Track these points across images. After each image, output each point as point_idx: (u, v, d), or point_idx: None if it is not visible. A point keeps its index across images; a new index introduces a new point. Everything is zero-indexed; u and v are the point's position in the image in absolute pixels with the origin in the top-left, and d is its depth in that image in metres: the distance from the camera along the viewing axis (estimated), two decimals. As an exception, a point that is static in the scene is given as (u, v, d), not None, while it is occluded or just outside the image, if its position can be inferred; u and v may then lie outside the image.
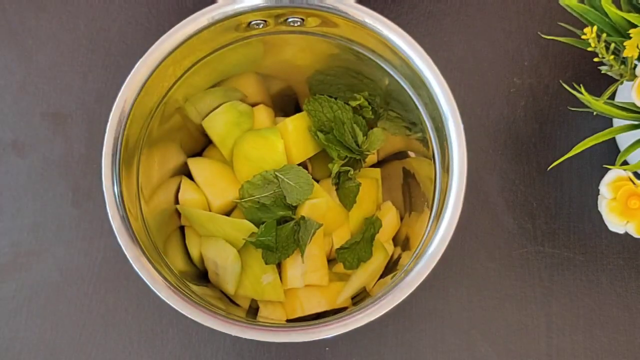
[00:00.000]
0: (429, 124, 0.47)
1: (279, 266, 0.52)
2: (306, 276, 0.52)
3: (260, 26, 0.46)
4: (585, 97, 0.45)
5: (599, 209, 0.46)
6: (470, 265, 0.56)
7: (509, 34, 0.60)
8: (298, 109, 0.58)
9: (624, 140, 0.53)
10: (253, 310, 0.53)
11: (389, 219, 0.54)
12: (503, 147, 0.58)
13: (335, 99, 0.55)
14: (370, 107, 0.54)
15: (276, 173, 0.51)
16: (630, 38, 0.43)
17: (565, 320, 0.55)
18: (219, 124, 0.53)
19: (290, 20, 0.46)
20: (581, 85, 0.46)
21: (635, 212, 0.45)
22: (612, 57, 0.44)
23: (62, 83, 0.59)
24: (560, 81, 0.58)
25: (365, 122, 0.55)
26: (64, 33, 0.60)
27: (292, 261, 0.52)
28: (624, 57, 0.44)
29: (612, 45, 0.44)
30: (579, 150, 0.46)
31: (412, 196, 0.55)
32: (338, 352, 0.55)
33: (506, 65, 0.59)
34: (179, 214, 0.54)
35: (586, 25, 0.44)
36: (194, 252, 0.53)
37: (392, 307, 0.41)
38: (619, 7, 0.45)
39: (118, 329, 0.55)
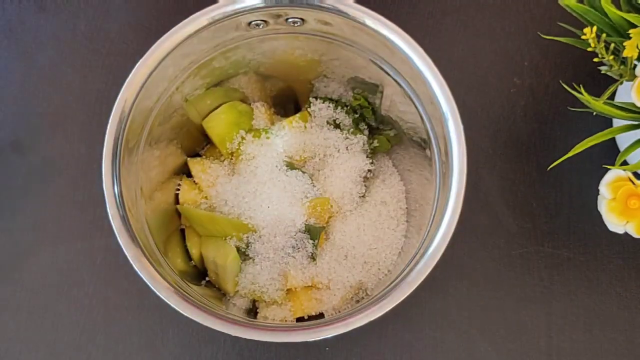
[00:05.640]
0: (429, 124, 0.47)
1: (279, 266, 0.53)
2: (307, 277, 0.52)
3: (260, 26, 0.46)
4: (585, 97, 0.45)
5: (599, 209, 0.46)
6: (470, 265, 0.56)
7: (509, 34, 0.60)
8: (298, 109, 0.58)
9: (624, 140, 0.53)
10: (253, 310, 0.53)
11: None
12: (503, 147, 0.58)
13: (336, 100, 0.55)
14: (370, 108, 0.54)
15: None
16: (630, 38, 0.43)
17: (565, 320, 0.55)
18: (219, 124, 0.53)
19: (290, 20, 0.46)
20: (581, 85, 0.46)
21: (635, 212, 0.45)
22: (611, 57, 0.44)
23: (62, 83, 0.59)
24: (560, 81, 0.58)
25: (366, 123, 0.56)
26: (64, 33, 0.60)
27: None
28: (623, 57, 0.44)
29: (612, 45, 0.44)
30: (578, 150, 0.46)
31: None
32: (338, 352, 0.55)
33: (506, 65, 0.59)
34: (179, 214, 0.54)
35: (586, 25, 0.44)
36: (194, 252, 0.53)
37: (392, 307, 0.40)
38: (619, 7, 0.45)
39: (118, 329, 0.55)
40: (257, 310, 0.53)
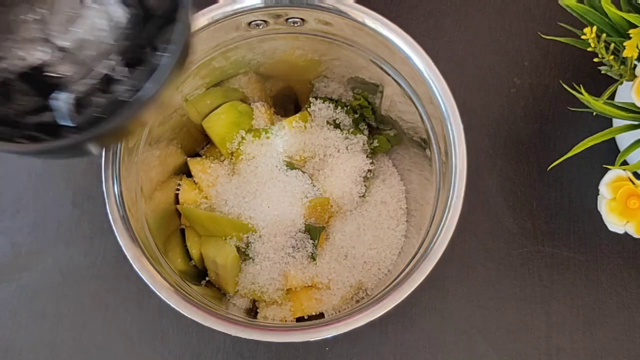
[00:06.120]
0: (429, 124, 0.47)
1: (279, 266, 0.53)
2: (307, 277, 0.52)
3: (260, 26, 0.46)
4: (585, 97, 0.45)
5: (599, 209, 0.46)
6: (470, 265, 0.56)
7: (509, 34, 0.60)
8: (298, 109, 0.58)
9: (624, 140, 0.53)
10: (253, 310, 0.53)
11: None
12: (503, 147, 0.58)
13: (336, 100, 0.55)
14: (370, 108, 0.54)
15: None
16: (630, 38, 0.43)
17: (565, 320, 0.55)
18: (219, 124, 0.53)
19: (290, 20, 0.46)
20: (581, 85, 0.46)
21: (635, 212, 0.45)
22: (611, 57, 0.44)
23: (62, 83, 0.59)
24: (560, 81, 0.58)
25: (366, 123, 0.56)
26: (64, 33, 0.60)
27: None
28: (623, 57, 0.44)
29: (612, 46, 0.44)
30: (578, 151, 0.46)
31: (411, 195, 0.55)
32: (338, 352, 0.55)
33: (506, 65, 0.59)
34: (179, 214, 0.54)
35: (586, 25, 0.44)
36: (194, 252, 0.53)
37: (392, 307, 0.41)
38: (619, 7, 0.45)
39: (118, 329, 0.55)
40: (257, 310, 0.53)
